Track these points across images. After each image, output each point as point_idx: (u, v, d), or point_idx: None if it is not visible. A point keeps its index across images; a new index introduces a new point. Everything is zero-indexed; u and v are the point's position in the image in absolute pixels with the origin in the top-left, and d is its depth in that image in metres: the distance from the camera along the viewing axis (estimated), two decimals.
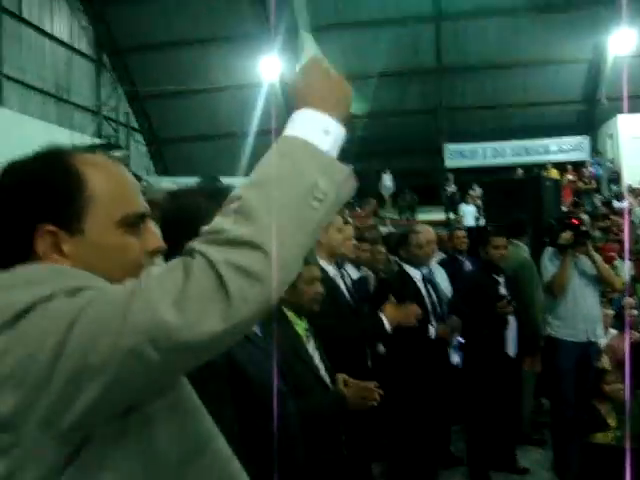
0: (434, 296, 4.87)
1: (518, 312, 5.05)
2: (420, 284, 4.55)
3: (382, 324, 3.51)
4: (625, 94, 17.99)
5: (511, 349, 5.03)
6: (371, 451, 4.17)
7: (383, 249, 5.82)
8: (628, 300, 6.93)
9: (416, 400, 4.32)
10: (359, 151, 19.09)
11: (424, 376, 4.34)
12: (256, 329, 1.85)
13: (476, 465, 4.99)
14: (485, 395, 4.93)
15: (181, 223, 1.75)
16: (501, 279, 5.11)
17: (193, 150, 22.65)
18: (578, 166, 19.37)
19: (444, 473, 4.97)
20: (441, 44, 19.20)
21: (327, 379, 2.73)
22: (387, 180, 18.33)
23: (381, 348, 4.52)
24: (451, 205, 17.58)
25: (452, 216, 17.40)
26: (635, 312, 6.39)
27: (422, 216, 13.74)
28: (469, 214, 16.02)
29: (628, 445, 3.80)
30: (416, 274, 4.58)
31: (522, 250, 5.76)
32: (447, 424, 5.27)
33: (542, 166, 18.12)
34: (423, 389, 4.34)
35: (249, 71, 20.14)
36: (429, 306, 4.50)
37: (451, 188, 18.42)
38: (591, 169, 19.28)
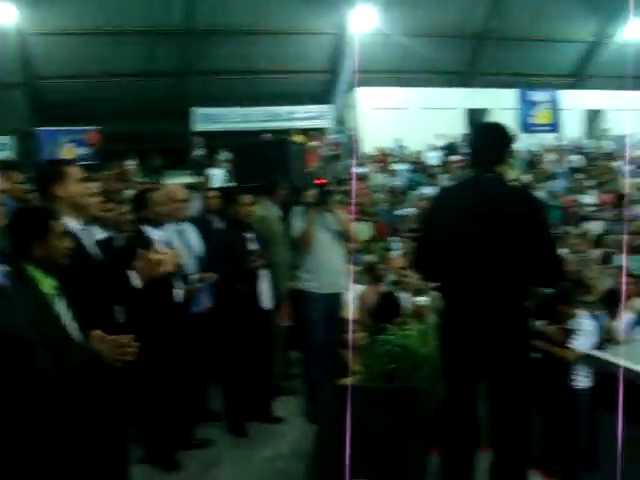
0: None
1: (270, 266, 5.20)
2: (160, 245, 4.42)
3: (128, 280, 3.32)
4: (356, 69, 19.22)
5: (266, 302, 5.17)
6: (127, 417, 4.06)
7: (128, 209, 5.62)
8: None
9: (165, 362, 4.28)
10: (105, 113, 18.23)
11: (172, 338, 4.32)
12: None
13: (233, 418, 5.09)
14: (239, 350, 5.02)
15: None
16: (250, 235, 5.21)
17: None
18: (322, 133, 20.30)
19: (202, 429, 4.97)
20: (193, 6, 18.74)
21: (78, 337, 2.59)
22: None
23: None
24: (199, 169, 17.48)
25: (200, 180, 17.28)
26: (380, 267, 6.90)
27: (170, 180, 13.51)
28: (217, 177, 16.06)
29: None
30: (156, 234, 4.50)
31: (269, 209, 5.90)
32: (202, 382, 5.28)
33: (288, 132, 18.68)
34: (171, 351, 4.31)
35: None
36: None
37: (199, 152, 18.33)
38: (335, 136, 20.32)
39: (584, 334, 5.26)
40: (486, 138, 3.44)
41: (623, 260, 7.76)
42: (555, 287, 5.09)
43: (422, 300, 6.02)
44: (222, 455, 4.70)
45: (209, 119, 20.44)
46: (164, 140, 18.91)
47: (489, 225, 3.16)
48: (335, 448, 3.81)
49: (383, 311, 6.09)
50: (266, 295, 5.16)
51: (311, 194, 5.37)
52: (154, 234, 4.46)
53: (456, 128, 19.79)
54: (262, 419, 5.22)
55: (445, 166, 18.17)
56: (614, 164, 18.95)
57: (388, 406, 3.89)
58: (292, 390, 5.83)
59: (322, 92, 21.66)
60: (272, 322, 5.37)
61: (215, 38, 19.35)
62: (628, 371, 1.75)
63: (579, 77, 23.33)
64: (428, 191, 13.80)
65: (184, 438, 4.70)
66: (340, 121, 21.66)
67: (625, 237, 9.48)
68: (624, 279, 6.18)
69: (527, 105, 21.07)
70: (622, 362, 1.81)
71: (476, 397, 3.37)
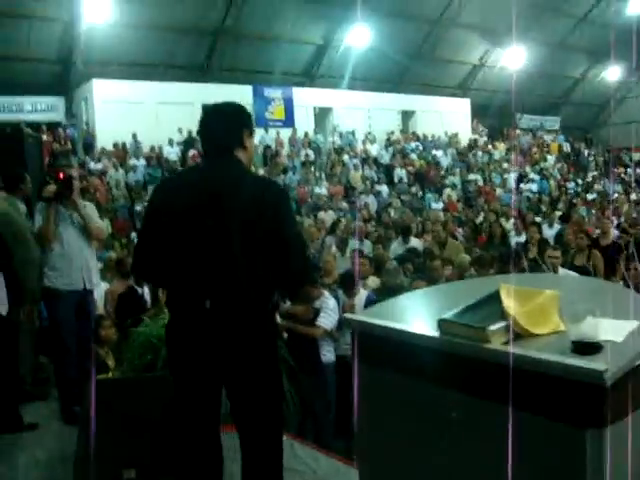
0: None
1: (4, 268, 4.87)
2: None
3: None
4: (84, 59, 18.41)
5: (1, 308, 4.87)
6: None
7: None
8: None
9: None
10: None
11: None
12: None
13: None
14: None
15: None
16: None
17: None
18: (53, 127, 19.22)
19: None
20: None
21: None
22: None
23: None
24: None
25: None
26: None
27: None
28: None
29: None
30: None
31: (14, 204, 5.56)
32: None
33: (17, 125, 17.45)
34: None
35: None
36: None
37: None
38: (67, 131, 19.38)
39: (328, 312, 5.73)
40: (219, 119, 3.00)
41: (357, 244, 8.54)
42: (299, 290, 5.05)
43: None
44: None
45: None
46: None
47: (224, 217, 2.65)
48: (100, 444, 3.77)
49: (127, 306, 6.12)
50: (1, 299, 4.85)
51: (50, 189, 5.16)
52: None
53: (194, 123, 19.88)
54: (14, 429, 4.91)
55: (184, 160, 18.28)
56: (343, 158, 20.48)
57: (151, 395, 3.92)
58: (43, 394, 5.56)
59: (53, 83, 20.47)
60: (13, 326, 5.06)
61: None
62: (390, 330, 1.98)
63: (309, 76, 24.71)
64: None
65: None
66: (73, 114, 20.67)
67: (357, 224, 10.39)
68: (358, 261, 6.83)
69: (262, 101, 21.89)
70: (379, 322, 2.05)
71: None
